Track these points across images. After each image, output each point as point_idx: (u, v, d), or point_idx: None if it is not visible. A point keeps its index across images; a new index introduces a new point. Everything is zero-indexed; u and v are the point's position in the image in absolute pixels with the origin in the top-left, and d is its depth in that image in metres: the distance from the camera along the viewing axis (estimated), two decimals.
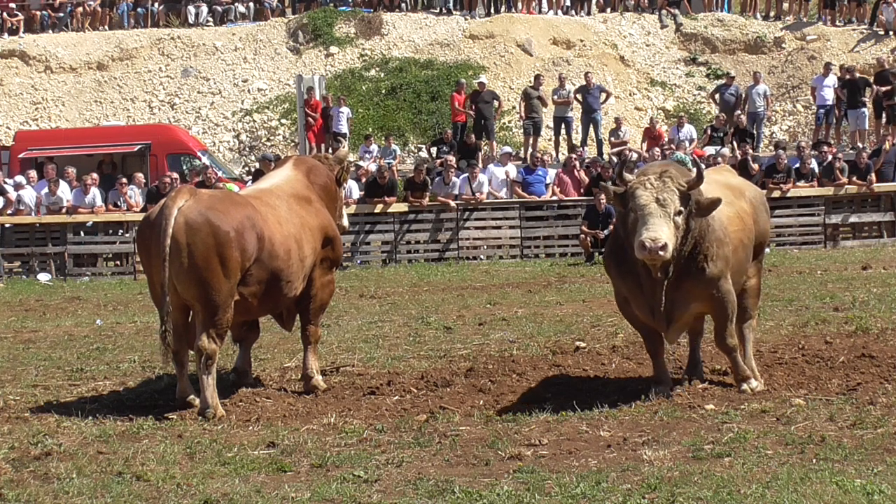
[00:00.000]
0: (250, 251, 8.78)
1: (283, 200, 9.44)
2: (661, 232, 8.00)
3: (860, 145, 24.02)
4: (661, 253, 7.97)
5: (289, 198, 9.52)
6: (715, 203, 8.30)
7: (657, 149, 23.00)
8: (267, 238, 8.93)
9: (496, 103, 26.20)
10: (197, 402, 8.82)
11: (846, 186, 21.72)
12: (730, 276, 8.67)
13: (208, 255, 8.56)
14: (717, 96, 26.89)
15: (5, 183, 22.05)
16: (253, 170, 24.88)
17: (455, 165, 22.45)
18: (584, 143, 26.48)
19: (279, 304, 9.45)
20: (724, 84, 27.09)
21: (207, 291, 8.59)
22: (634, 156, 22.81)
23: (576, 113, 26.76)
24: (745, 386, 8.80)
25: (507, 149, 24.81)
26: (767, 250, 10.29)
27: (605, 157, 24.67)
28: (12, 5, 33.22)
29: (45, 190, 21.90)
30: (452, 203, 21.75)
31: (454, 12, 32.71)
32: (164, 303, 8.61)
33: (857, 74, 25.82)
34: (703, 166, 8.70)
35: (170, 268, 8.52)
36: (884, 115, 25.44)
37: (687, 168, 8.77)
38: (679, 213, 8.17)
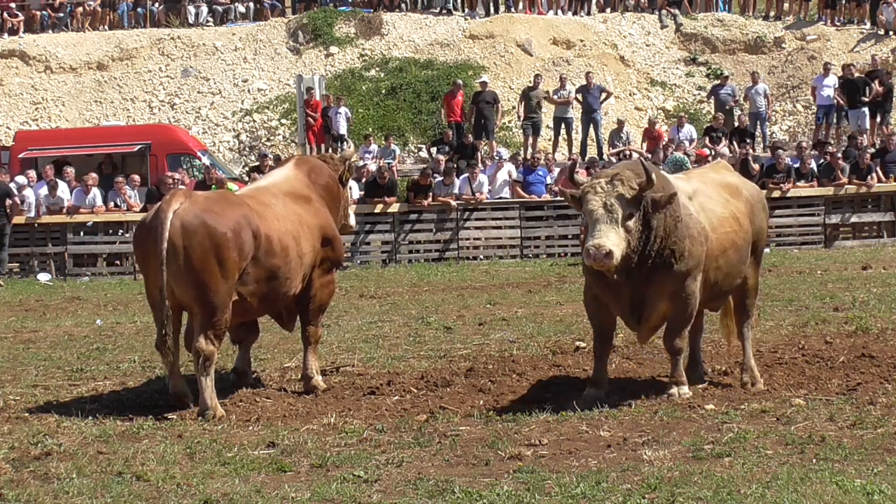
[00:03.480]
0: (247, 250, 8.76)
1: (280, 199, 9.43)
2: (606, 239, 8.01)
3: (862, 145, 23.97)
4: (605, 260, 7.99)
5: (286, 196, 9.51)
6: (670, 198, 8.25)
7: (660, 149, 22.98)
8: (263, 235, 8.91)
9: (496, 106, 26.23)
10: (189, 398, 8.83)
11: (846, 186, 21.73)
12: (700, 278, 8.56)
13: (205, 258, 8.54)
14: (712, 97, 26.89)
15: (13, 182, 22.02)
16: (249, 167, 24.86)
17: (453, 166, 22.45)
18: (584, 143, 26.48)
19: (278, 303, 9.42)
20: (718, 84, 27.10)
21: (205, 293, 8.57)
22: (635, 156, 22.83)
23: (576, 113, 26.76)
24: (674, 389, 8.61)
25: (504, 153, 24.84)
26: (767, 250, 10.25)
27: (605, 157, 24.65)
28: (12, 5, 33.19)
29: (45, 191, 21.87)
30: (453, 203, 21.76)
31: (454, 12, 32.70)
32: (164, 307, 8.56)
33: (856, 74, 25.80)
34: (651, 169, 8.52)
35: (167, 271, 8.50)
36: (878, 115, 25.46)
37: (685, 169, 8.76)
38: (630, 216, 8.14)
